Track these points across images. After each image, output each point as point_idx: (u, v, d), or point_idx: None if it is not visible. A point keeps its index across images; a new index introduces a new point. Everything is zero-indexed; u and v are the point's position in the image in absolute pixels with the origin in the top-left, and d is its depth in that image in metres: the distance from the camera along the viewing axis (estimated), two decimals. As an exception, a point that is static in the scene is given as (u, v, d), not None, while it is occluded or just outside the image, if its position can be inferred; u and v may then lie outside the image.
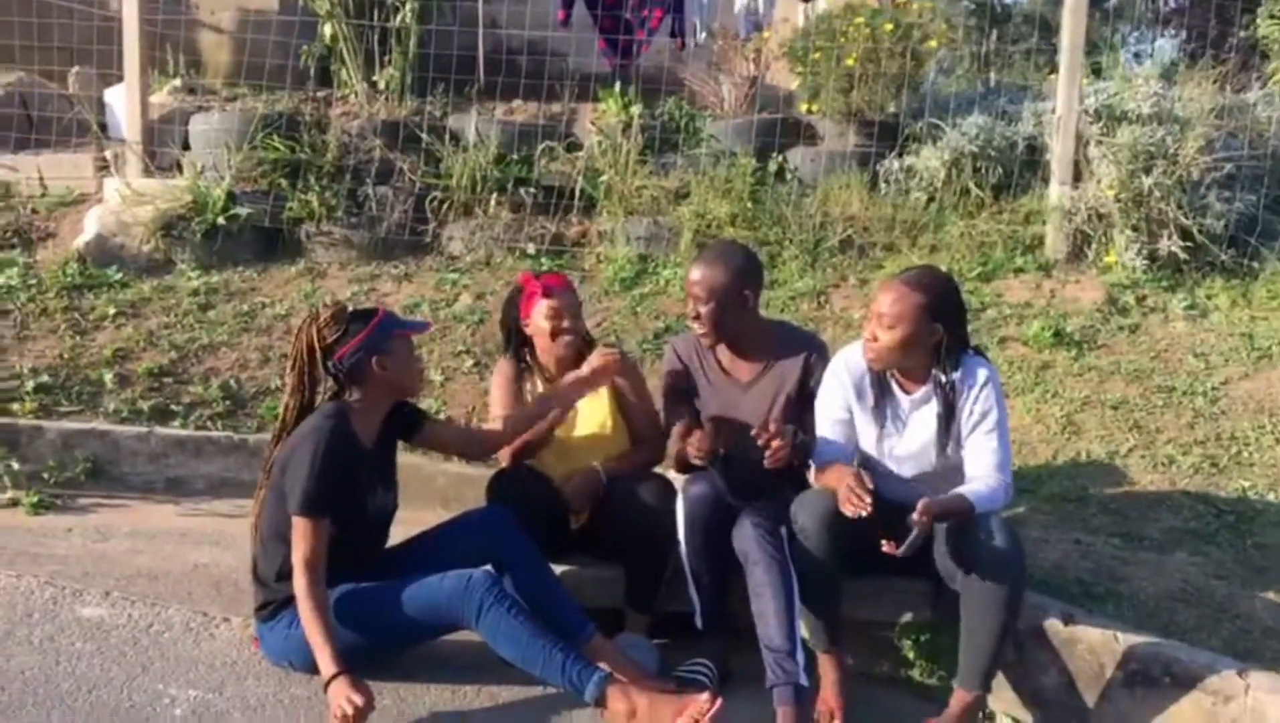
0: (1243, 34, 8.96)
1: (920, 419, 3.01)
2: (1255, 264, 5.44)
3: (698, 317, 3.15)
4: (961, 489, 2.87)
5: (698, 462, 2.94)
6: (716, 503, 2.94)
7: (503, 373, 3.40)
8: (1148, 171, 5.39)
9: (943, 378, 2.95)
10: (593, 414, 3.36)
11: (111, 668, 2.85)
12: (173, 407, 4.60)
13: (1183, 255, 5.37)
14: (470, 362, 4.94)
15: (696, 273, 3.15)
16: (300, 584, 2.69)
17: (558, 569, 3.10)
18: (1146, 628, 3.06)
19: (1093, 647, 2.96)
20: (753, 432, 2.84)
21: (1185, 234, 5.37)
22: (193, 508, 4.23)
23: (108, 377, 4.70)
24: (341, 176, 5.83)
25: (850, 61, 5.76)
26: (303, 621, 2.67)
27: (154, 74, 6.67)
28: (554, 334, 3.30)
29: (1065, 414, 4.43)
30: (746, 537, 2.90)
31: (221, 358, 4.95)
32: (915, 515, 2.66)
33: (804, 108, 6.15)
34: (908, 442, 3.02)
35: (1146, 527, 3.75)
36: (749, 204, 5.66)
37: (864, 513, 2.64)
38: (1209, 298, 5.30)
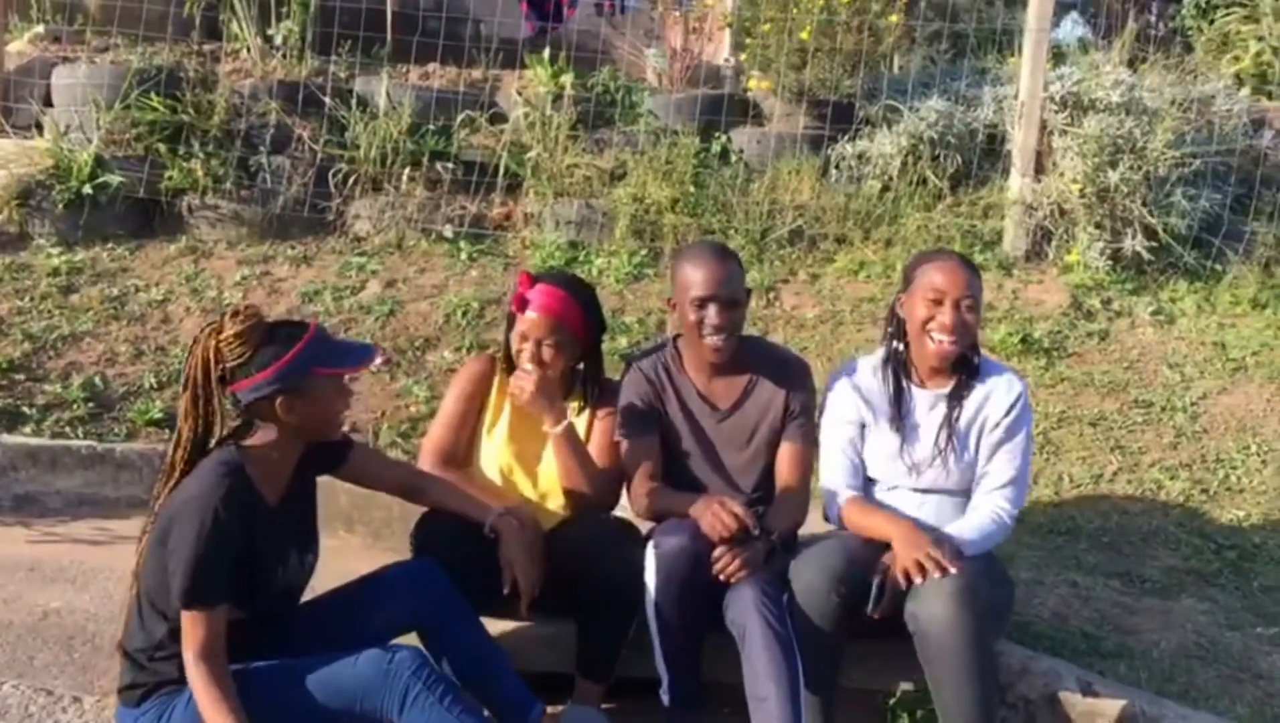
0: (1170, 23, 8.82)
1: (930, 422, 2.61)
2: (1219, 266, 5.17)
3: (723, 328, 2.58)
4: (952, 529, 2.52)
5: (721, 541, 2.40)
6: (698, 560, 2.40)
7: (466, 379, 2.80)
8: (1114, 166, 5.06)
9: (975, 363, 2.61)
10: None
11: (-81, 778, 2.23)
12: (24, 409, 3.96)
13: (1146, 256, 5.07)
14: (378, 359, 4.35)
15: (718, 271, 2.57)
16: (196, 678, 2.11)
17: (495, 627, 2.58)
18: (1167, 693, 2.77)
19: (1113, 722, 2.59)
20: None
21: (1149, 233, 5.07)
22: (46, 532, 3.61)
23: (-55, 373, 4.00)
24: (231, 143, 5.14)
25: (804, 35, 5.28)
26: (205, 717, 2.10)
27: (14, 18, 5.86)
28: (515, 357, 2.69)
29: (1042, 431, 4.06)
30: (748, 607, 2.38)
31: (85, 351, 4.28)
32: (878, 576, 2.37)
33: (751, 84, 5.65)
34: (922, 449, 2.61)
35: (1145, 566, 3.41)
36: (691, 188, 5.15)
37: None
38: (1174, 301, 5.01)
